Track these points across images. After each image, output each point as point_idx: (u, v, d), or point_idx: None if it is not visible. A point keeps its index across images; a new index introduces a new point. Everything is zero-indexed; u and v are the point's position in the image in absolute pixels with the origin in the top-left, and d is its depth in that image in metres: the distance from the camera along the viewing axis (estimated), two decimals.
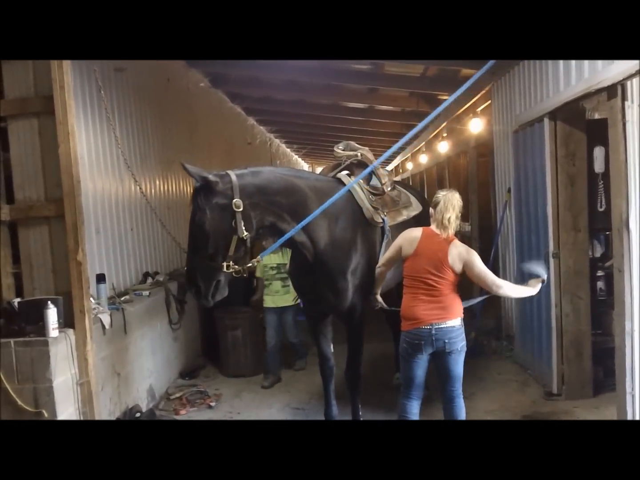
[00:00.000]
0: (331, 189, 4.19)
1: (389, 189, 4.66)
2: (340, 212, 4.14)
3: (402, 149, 15.23)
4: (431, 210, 3.87)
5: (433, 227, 3.83)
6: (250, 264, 3.79)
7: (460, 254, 3.75)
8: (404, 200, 4.77)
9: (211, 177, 3.59)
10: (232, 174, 3.70)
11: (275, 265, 6.02)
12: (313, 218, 3.87)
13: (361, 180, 4.41)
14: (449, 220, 3.73)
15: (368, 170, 4.29)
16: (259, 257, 3.87)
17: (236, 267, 3.65)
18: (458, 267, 3.74)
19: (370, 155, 4.66)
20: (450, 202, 3.76)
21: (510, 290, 3.95)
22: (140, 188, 5.36)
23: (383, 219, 4.33)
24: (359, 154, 4.59)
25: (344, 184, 4.30)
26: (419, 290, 3.78)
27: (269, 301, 6.14)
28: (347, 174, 4.49)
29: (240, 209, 3.62)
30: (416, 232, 3.87)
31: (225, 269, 3.61)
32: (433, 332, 3.70)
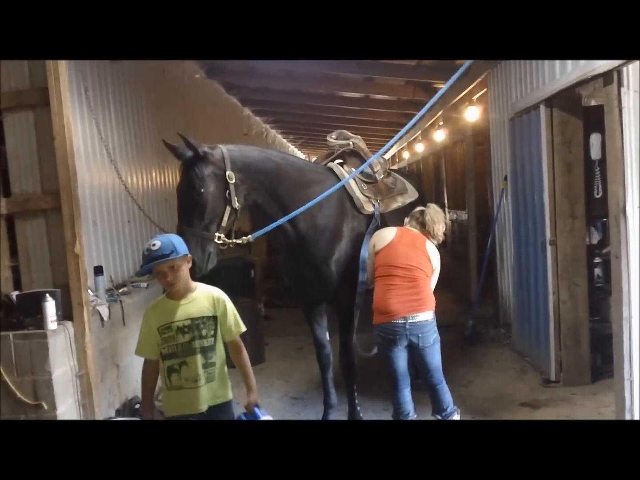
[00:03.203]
0: (318, 174, 4.28)
1: (382, 176, 4.66)
2: (326, 200, 4.14)
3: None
4: (407, 219, 4.14)
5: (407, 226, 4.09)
6: (240, 241, 3.81)
7: (435, 251, 4.00)
8: (399, 187, 4.77)
9: (206, 148, 3.66)
10: (223, 147, 3.77)
11: (187, 323, 2.92)
12: (295, 203, 3.95)
13: (353, 169, 4.44)
14: (440, 230, 4.02)
15: (363, 167, 4.29)
16: (249, 236, 3.84)
17: (226, 240, 3.69)
18: (434, 261, 3.95)
19: (362, 144, 4.67)
20: (440, 214, 4.09)
21: None
22: (121, 180, 5.24)
23: (374, 206, 4.34)
24: (351, 143, 4.60)
25: (334, 173, 4.35)
26: (395, 280, 3.83)
27: (178, 403, 2.94)
28: (340, 163, 4.51)
29: (233, 181, 3.68)
30: (390, 229, 4.07)
31: (217, 240, 3.64)
32: (407, 326, 3.74)
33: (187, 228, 3.58)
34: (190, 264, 3.00)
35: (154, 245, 2.86)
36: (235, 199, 3.69)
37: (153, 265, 2.86)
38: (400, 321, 3.74)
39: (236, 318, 3.06)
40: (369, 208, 4.31)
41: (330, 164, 4.50)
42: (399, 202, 4.64)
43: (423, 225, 4.01)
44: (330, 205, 4.18)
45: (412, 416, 3.92)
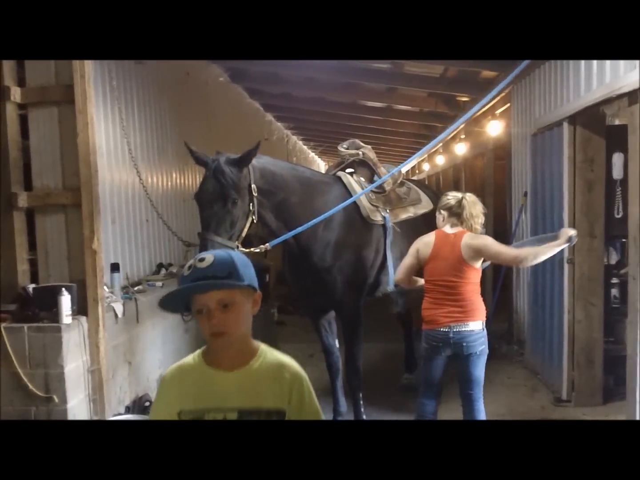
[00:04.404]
0: (325, 185, 4.31)
1: (389, 187, 4.65)
2: (330, 210, 4.15)
3: (418, 149, 15.19)
4: (444, 212, 3.81)
5: (447, 227, 3.80)
6: (257, 249, 3.82)
7: (471, 245, 3.68)
8: (412, 197, 4.77)
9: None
10: None
11: (232, 416, 1.70)
12: (296, 212, 3.98)
13: (362, 179, 4.48)
14: (478, 224, 3.77)
15: (377, 183, 4.34)
16: (267, 244, 3.87)
17: (244, 249, 3.67)
18: (475, 259, 3.68)
19: (371, 154, 4.70)
20: (478, 206, 3.79)
21: (534, 256, 3.67)
22: (141, 181, 5.25)
23: (384, 217, 4.35)
24: (360, 153, 4.63)
25: (342, 182, 4.39)
26: (440, 295, 3.73)
27: None
28: (351, 172, 4.54)
29: (256, 194, 3.71)
30: (429, 236, 3.84)
31: (236, 249, 3.61)
32: (451, 335, 3.66)
33: (214, 237, 3.52)
34: (258, 306, 1.75)
35: (201, 260, 1.62)
36: (257, 211, 3.73)
37: (192, 290, 1.61)
38: (444, 329, 3.67)
39: (319, 415, 1.79)
40: (375, 217, 4.32)
41: (339, 173, 4.54)
42: (410, 213, 4.63)
43: (460, 221, 3.75)
44: (335, 214, 4.18)
45: None
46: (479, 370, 3.76)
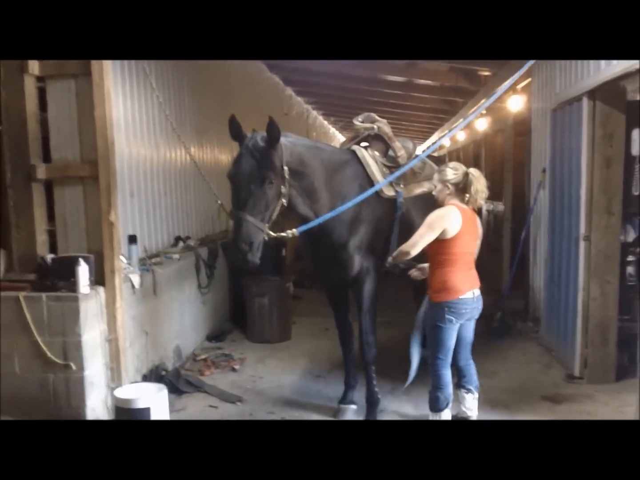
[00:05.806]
0: (342, 163, 4.28)
1: (404, 162, 4.62)
2: (347, 184, 4.17)
3: (439, 125, 15.03)
4: (450, 187, 3.79)
5: (457, 202, 3.81)
6: (285, 234, 3.81)
7: (480, 224, 4.02)
8: (427, 172, 4.73)
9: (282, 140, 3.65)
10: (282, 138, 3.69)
11: None
12: (320, 194, 3.99)
13: (376, 153, 4.47)
14: (483, 199, 3.86)
15: (414, 162, 4.28)
16: (294, 230, 3.80)
17: (272, 233, 3.65)
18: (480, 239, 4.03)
19: (387, 128, 4.66)
20: (483, 181, 3.82)
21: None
22: (189, 153, 5.42)
23: (397, 192, 4.34)
24: (375, 127, 4.60)
25: (356, 155, 4.40)
26: (464, 265, 3.83)
27: None
28: (366, 146, 4.54)
29: (287, 176, 3.68)
30: (456, 213, 3.75)
31: (266, 232, 3.61)
32: (475, 300, 3.85)
33: (248, 217, 3.49)
34: None
35: None
36: (287, 193, 3.70)
37: None
38: (470, 296, 3.82)
39: None
40: (388, 192, 4.32)
41: (354, 147, 4.53)
42: (424, 188, 4.58)
43: (466, 196, 3.78)
44: (352, 192, 4.16)
45: (452, 397, 3.98)
46: (473, 332, 4.10)
